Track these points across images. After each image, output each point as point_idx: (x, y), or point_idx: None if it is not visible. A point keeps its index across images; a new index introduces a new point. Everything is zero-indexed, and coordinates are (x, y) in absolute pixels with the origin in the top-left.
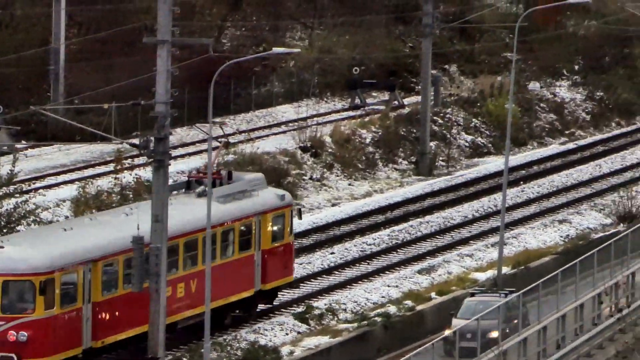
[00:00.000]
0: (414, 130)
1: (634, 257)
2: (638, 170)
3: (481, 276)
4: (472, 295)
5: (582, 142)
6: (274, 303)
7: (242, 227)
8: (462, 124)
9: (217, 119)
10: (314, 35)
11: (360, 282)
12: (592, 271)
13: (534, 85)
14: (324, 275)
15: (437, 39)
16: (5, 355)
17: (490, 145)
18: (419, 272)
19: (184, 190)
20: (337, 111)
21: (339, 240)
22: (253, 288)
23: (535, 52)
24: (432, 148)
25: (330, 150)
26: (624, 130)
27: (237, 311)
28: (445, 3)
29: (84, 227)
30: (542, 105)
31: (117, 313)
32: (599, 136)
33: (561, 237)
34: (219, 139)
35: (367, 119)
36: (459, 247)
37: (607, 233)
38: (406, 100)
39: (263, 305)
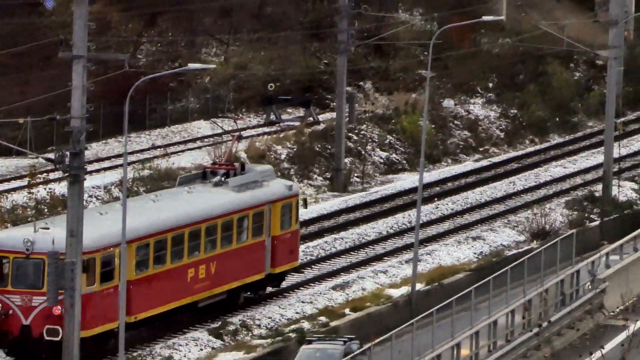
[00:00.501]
0: (329, 147)
1: (547, 274)
2: (551, 188)
3: (395, 292)
4: (309, 342)
5: (496, 160)
6: (281, 286)
7: (255, 215)
8: (376, 140)
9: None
10: (230, 51)
11: (275, 298)
12: (506, 288)
13: (448, 103)
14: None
15: (352, 56)
16: (52, 327)
17: (404, 161)
18: (334, 288)
19: (200, 180)
20: (253, 127)
21: None
22: (264, 271)
23: (449, 69)
24: (347, 164)
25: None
26: (537, 147)
27: (249, 292)
28: (360, 20)
29: (117, 212)
30: (456, 122)
31: (148, 291)
32: (512, 153)
33: (475, 254)
34: (232, 133)
35: (282, 135)
36: (374, 264)
37: (520, 250)
38: (321, 117)
39: (271, 288)
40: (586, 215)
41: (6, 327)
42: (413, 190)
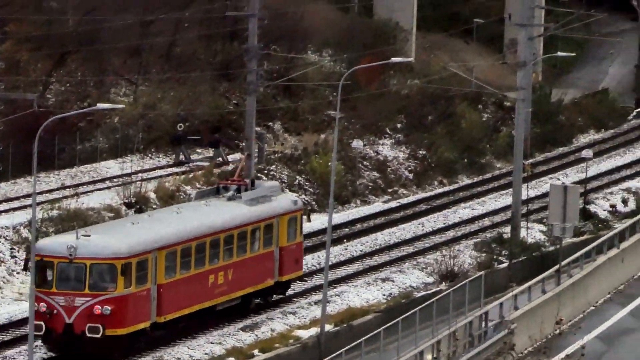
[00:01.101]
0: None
1: (456, 316)
2: (460, 230)
3: (304, 333)
4: None
5: (404, 201)
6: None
7: (266, 227)
8: (286, 181)
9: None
10: (139, 91)
11: (183, 339)
12: (415, 329)
13: (357, 143)
14: None
15: (261, 96)
16: (93, 325)
17: (314, 202)
18: (243, 329)
19: (213, 194)
20: (162, 167)
21: None
22: (273, 279)
23: (358, 110)
24: None
25: (154, 206)
26: (446, 189)
27: (259, 299)
28: (269, 61)
29: (146, 222)
30: (365, 163)
31: (176, 293)
32: (421, 194)
33: (384, 295)
34: (243, 151)
35: (191, 175)
36: (283, 305)
37: (429, 292)
38: (230, 157)
39: (277, 295)
40: (495, 257)
41: (51, 325)
42: (322, 231)
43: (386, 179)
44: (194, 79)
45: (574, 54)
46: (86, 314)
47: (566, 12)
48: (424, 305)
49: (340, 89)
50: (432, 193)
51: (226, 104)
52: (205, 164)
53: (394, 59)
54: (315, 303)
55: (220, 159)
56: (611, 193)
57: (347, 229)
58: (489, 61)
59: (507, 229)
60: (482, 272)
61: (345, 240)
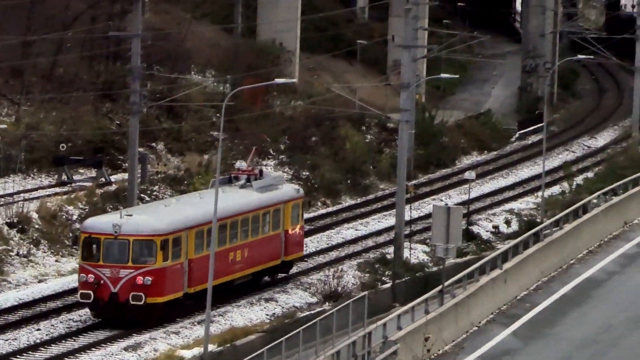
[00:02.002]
0: (121, 207)
1: (339, 336)
2: (343, 250)
3: (187, 354)
4: None
5: None
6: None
7: (274, 212)
8: None
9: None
10: (21, 112)
11: (65, 358)
12: (298, 349)
13: (240, 164)
14: (30, 352)
15: (145, 117)
16: (136, 294)
17: None
18: (126, 349)
19: (227, 183)
20: (44, 187)
21: (45, 316)
22: (280, 258)
23: (242, 130)
24: None
25: (37, 226)
26: (329, 209)
27: (267, 277)
28: (152, 81)
29: (176, 205)
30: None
31: (203, 268)
32: (305, 215)
33: (267, 315)
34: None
35: (73, 195)
36: (166, 325)
37: (312, 312)
38: (113, 177)
39: (281, 274)
40: (378, 277)
41: (98, 295)
42: None
43: None
44: (76, 100)
45: (457, 76)
46: (129, 284)
47: (449, 34)
48: (307, 325)
49: (224, 110)
50: (315, 214)
51: (109, 124)
52: (88, 184)
53: (278, 80)
54: (199, 323)
55: (103, 179)
56: (494, 214)
57: None
58: (373, 82)
59: (391, 250)
60: (365, 293)
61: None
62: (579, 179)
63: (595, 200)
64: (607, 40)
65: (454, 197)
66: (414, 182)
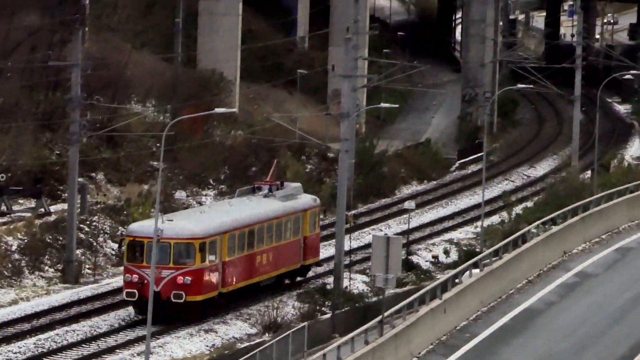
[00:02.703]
0: (60, 238)
1: None
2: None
3: None
4: None
5: None
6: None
7: (295, 219)
8: (108, 232)
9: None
10: None
11: None
12: None
13: (180, 194)
14: None
15: (84, 147)
16: (177, 292)
17: None
18: None
19: (251, 193)
20: None
21: None
22: (299, 263)
23: (182, 160)
24: (78, 256)
25: None
26: None
27: (287, 280)
28: (92, 111)
29: (209, 212)
30: None
31: (235, 269)
32: None
33: (207, 346)
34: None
35: (12, 226)
36: (105, 356)
37: (252, 343)
38: (53, 208)
39: (300, 277)
40: (318, 307)
41: (142, 293)
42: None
43: None
44: (16, 129)
45: (397, 105)
46: (171, 283)
47: (389, 63)
48: (247, 356)
49: (164, 140)
50: None
51: (49, 154)
52: (27, 214)
53: (218, 110)
54: (139, 354)
55: (42, 209)
56: (433, 244)
57: None
58: (313, 112)
59: (331, 280)
60: (305, 323)
61: None
62: (518, 209)
63: (534, 230)
64: (547, 69)
65: (393, 227)
66: (353, 212)
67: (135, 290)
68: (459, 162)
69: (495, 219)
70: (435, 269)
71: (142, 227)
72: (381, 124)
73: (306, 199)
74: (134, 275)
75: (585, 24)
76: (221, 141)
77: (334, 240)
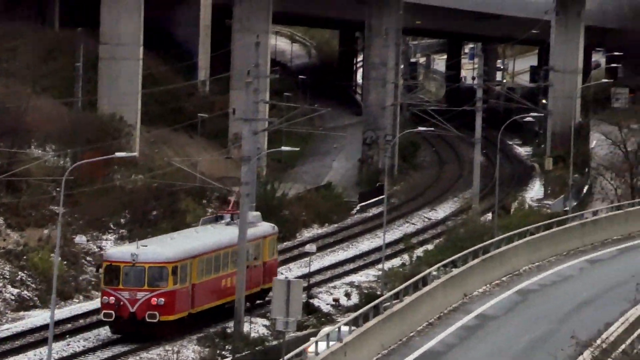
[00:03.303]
0: None
1: None
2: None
3: None
4: None
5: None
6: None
7: (255, 245)
8: (8, 277)
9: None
10: None
11: None
12: None
13: (80, 239)
14: None
15: None
16: (151, 312)
17: (36, 298)
18: None
19: (214, 221)
20: None
21: None
22: (260, 286)
23: (82, 205)
24: None
25: None
26: None
27: (247, 303)
28: None
29: (179, 238)
30: (88, 258)
31: (203, 291)
32: None
33: None
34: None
35: None
36: None
37: None
38: None
39: (259, 300)
40: (218, 352)
41: (119, 314)
42: (45, 327)
43: None
44: None
45: (298, 149)
46: (146, 304)
47: (290, 106)
48: None
49: (64, 184)
50: None
51: None
52: None
53: (118, 154)
54: None
55: None
56: (334, 287)
57: (69, 325)
58: (214, 156)
59: (231, 324)
60: None
61: (67, 336)
62: (419, 251)
63: (435, 273)
64: (448, 112)
65: (294, 270)
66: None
67: (112, 311)
68: (360, 205)
69: (396, 261)
70: (336, 312)
71: (119, 252)
72: (282, 167)
73: (265, 227)
74: (111, 298)
75: (486, 67)
76: (122, 185)
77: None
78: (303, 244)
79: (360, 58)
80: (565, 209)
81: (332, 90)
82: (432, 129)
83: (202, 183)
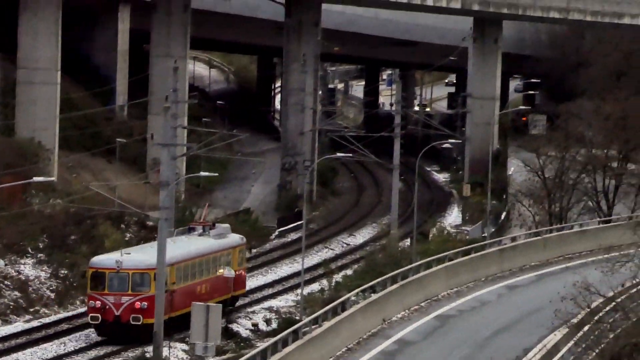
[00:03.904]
0: None
1: None
2: (102, 349)
3: None
4: None
5: (47, 320)
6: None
7: (226, 255)
8: None
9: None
10: None
11: None
12: None
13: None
14: None
15: None
16: (135, 316)
17: None
18: None
19: (187, 232)
20: None
21: None
22: (230, 293)
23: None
24: None
25: None
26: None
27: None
28: None
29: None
30: (6, 282)
31: (181, 297)
32: (63, 314)
33: None
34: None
35: None
36: None
37: None
38: None
39: (229, 306)
40: None
41: (105, 317)
42: None
43: (28, 298)
44: None
45: (216, 174)
46: (130, 308)
47: (209, 132)
48: None
49: None
50: (74, 312)
51: None
52: None
53: (36, 178)
54: None
55: None
56: (254, 312)
57: None
58: (132, 181)
59: (150, 349)
60: None
61: None
62: (338, 276)
63: (354, 298)
64: (366, 137)
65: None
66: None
67: (98, 315)
68: (279, 230)
69: (315, 286)
70: (255, 337)
71: (104, 259)
72: (201, 192)
73: (235, 238)
74: (97, 302)
75: (404, 93)
76: (40, 210)
77: None
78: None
79: (278, 84)
80: (484, 235)
81: (250, 116)
82: (351, 154)
83: (121, 208)
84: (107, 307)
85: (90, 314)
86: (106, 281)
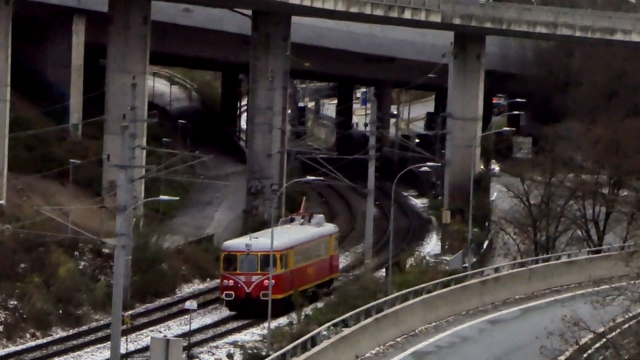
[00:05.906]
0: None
1: None
2: None
3: None
4: None
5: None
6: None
7: (325, 241)
8: None
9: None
10: None
11: None
12: None
13: None
14: None
15: None
16: (264, 292)
17: None
18: None
19: (289, 222)
20: None
21: None
22: (329, 276)
23: None
24: None
25: None
26: (39, 342)
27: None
28: None
29: (279, 233)
30: None
31: (298, 276)
32: (12, 348)
33: None
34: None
35: None
36: None
37: None
38: None
39: (326, 288)
40: None
41: (237, 294)
42: None
43: None
44: None
45: (177, 198)
46: (259, 285)
47: (169, 153)
48: None
49: None
50: (24, 346)
51: None
52: None
53: None
54: None
55: None
56: (217, 347)
57: None
58: (87, 205)
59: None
60: None
61: None
62: (308, 309)
63: (325, 332)
64: (338, 160)
65: (174, 328)
66: (130, 312)
67: (231, 292)
68: None
69: (283, 320)
70: None
71: (235, 243)
72: (161, 217)
73: (330, 227)
74: (230, 281)
75: (379, 113)
76: None
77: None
78: (183, 300)
79: (244, 102)
80: (465, 265)
81: (214, 136)
82: (322, 178)
83: (74, 234)
84: (240, 285)
85: (224, 292)
86: (237, 262)
